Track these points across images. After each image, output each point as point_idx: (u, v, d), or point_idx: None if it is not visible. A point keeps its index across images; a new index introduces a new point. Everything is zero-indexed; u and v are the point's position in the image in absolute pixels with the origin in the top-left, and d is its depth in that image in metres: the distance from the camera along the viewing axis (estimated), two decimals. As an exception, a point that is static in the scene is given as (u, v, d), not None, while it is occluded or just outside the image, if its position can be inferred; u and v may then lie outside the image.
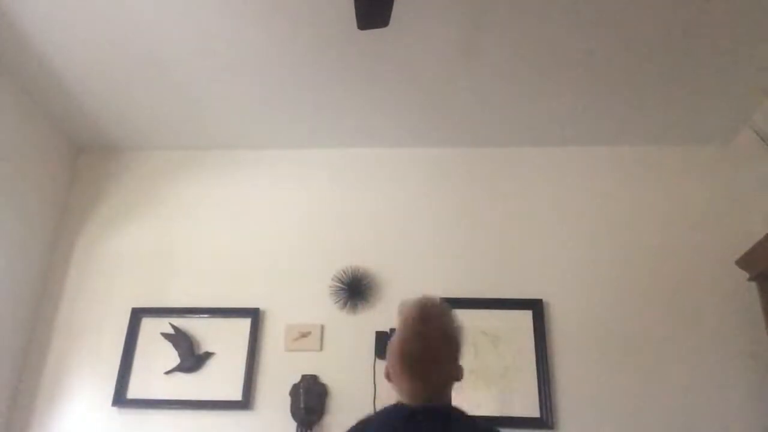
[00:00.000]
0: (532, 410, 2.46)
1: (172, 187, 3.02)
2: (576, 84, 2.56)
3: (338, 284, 2.71)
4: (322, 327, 2.67)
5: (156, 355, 2.65)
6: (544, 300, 2.66)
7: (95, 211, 2.99)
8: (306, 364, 2.60)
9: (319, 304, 2.71)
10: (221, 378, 2.59)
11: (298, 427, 2.47)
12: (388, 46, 2.36)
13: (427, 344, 1.36)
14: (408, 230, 2.85)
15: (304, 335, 2.65)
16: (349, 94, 2.66)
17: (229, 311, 2.71)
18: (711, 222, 2.77)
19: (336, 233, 2.86)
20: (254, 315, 2.69)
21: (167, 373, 2.61)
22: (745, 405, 2.43)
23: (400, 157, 3.02)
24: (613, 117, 2.77)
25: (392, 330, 2.57)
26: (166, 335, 2.67)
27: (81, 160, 3.11)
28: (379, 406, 2.49)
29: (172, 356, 2.64)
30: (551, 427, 2.42)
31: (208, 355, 2.64)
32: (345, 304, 2.69)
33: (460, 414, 1.33)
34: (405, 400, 1.36)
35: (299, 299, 2.73)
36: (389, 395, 2.53)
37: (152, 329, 2.69)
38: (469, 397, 2.48)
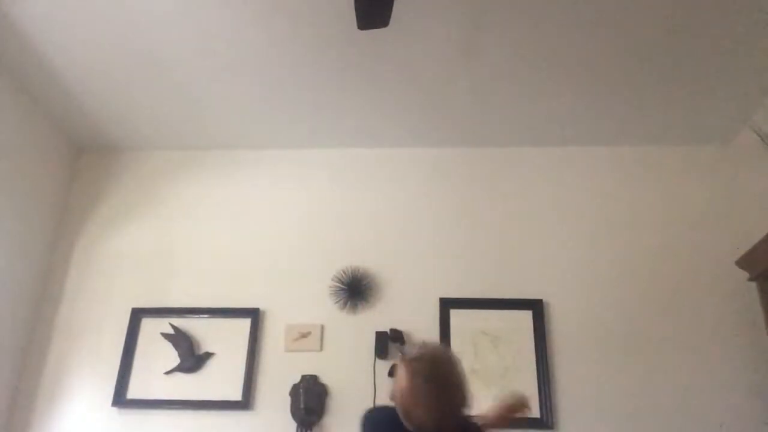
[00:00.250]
0: (533, 410, 2.45)
1: (172, 187, 3.02)
2: (576, 84, 2.56)
3: (338, 284, 2.71)
4: (322, 327, 2.67)
5: (156, 355, 2.65)
6: (544, 300, 2.66)
7: (95, 211, 2.99)
8: (306, 364, 2.60)
9: (319, 304, 2.71)
10: (221, 378, 2.59)
11: (298, 427, 2.47)
12: (388, 46, 2.36)
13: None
14: (408, 230, 2.85)
15: (304, 335, 2.65)
16: (349, 94, 2.66)
17: (229, 311, 2.71)
18: (711, 222, 2.77)
19: (336, 233, 2.86)
20: (254, 315, 2.68)
21: (167, 373, 2.61)
22: (745, 404, 2.43)
23: (400, 157, 3.02)
24: (613, 117, 2.77)
25: (392, 330, 2.58)
26: (166, 335, 2.67)
27: (81, 160, 3.11)
28: (379, 406, 2.50)
29: (172, 356, 2.64)
30: (551, 427, 2.42)
31: (208, 355, 2.64)
32: (345, 304, 2.69)
33: None
34: None
35: (299, 299, 2.73)
36: (389, 395, 2.54)
37: (152, 329, 2.69)
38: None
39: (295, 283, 2.76)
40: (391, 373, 2.49)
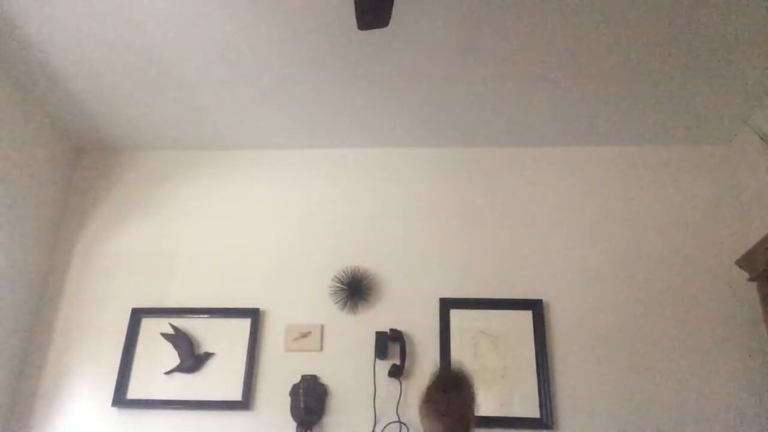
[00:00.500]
0: (532, 410, 2.46)
1: (172, 187, 3.02)
2: (576, 84, 2.56)
3: (338, 284, 2.71)
4: (322, 327, 2.67)
5: (156, 355, 2.65)
6: (544, 300, 2.66)
7: (95, 211, 2.99)
8: (306, 364, 2.60)
9: (319, 304, 2.71)
10: (221, 378, 2.59)
11: (298, 427, 2.47)
12: (388, 46, 2.36)
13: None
14: (408, 230, 2.85)
15: (304, 335, 2.65)
16: (349, 94, 2.66)
17: (229, 311, 2.71)
18: (711, 222, 2.77)
19: (336, 233, 2.86)
20: (254, 315, 2.69)
21: (167, 373, 2.61)
22: (746, 405, 2.43)
23: (400, 157, 3.02)
24: (613, 117, 2.77)
25: (392, 330, 2.58)
26: (166, 335, 2.67)
27: (81, 160, 3.11)
28: (379, 407, 2.50)
29: (172, 356, 2.64)
30: (551, 427, 2.42)
31: (208, 355, 2.64)
32: (345, 304, 2.69)
33: None
34: None
35: (299, 299, 2.73)
36: (389, 395, 2.55)
37: (152, 329, 2.69)
38: (469, 397, 2.48)
39: (295, 283, 2.77)
40: (392, 373, 2.50)
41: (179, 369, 2.61)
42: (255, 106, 2.76)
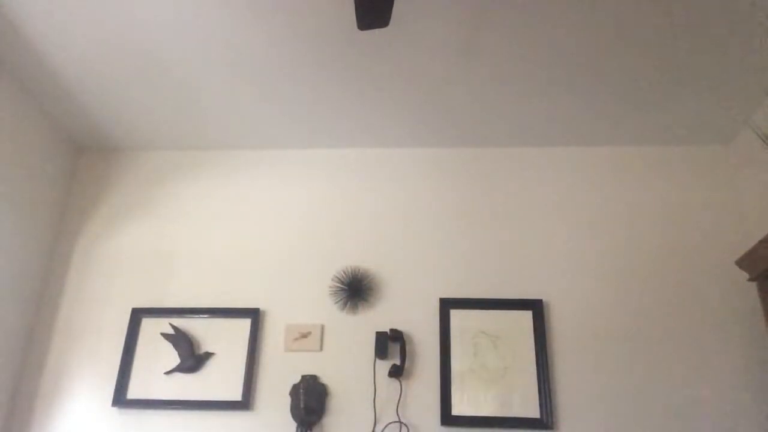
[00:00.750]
0: (532, 410, 2.46)
1: (172, 187, 3.02)
2: (576, 84, 2.56)
3: (338, 284, 2.71)
4: (322, 327, 2.67)
5: (156, 355, 2.65)
6: (544, 300, 2.66)
7: (95, 211, 2.99)
8: (306, 364, 2.60)
9: (319, 304, 2.71)
10: (221, 378, 2.60)
11: (298, 427, 2.47)
12: (388, 46, 2.36)
13: None
14: (408, 230, 2.85)
15: (304, 335, 2.65)
16: (349, 94, 2.66)
17: (229, 311, 2.71)
18: (711, 222, 2.77)
19: (336, 233, 2.86)
20: (254, 315, 2.69)
21: (167, 373, 2.61)
22: (746, 405, 2.43)
23: (400, 157, 3.02)
24: (613, 117, 2.77)
25: (392, 330, 2.58)
26: (166, 335, 2.67)
27: (81, 160, 3.11)
28: (379, 407, 2.51)
29: (172, 356, 2.64)
30: (551, 428, 2.42)
31: (208, 355, 2.64)
32: (345, 304, 2.69)
33: None
34: None
35: (299, 299, 2.73)
36: (389, 395, 2.55)
37: (152, 329, 2.69)
38: (469, 398, 2.49)
39: (295, 283, 2.77)
40: (392, 373, 2.50)
41: (179, 369, 2.61)
42: (255, 106, 2.76)
